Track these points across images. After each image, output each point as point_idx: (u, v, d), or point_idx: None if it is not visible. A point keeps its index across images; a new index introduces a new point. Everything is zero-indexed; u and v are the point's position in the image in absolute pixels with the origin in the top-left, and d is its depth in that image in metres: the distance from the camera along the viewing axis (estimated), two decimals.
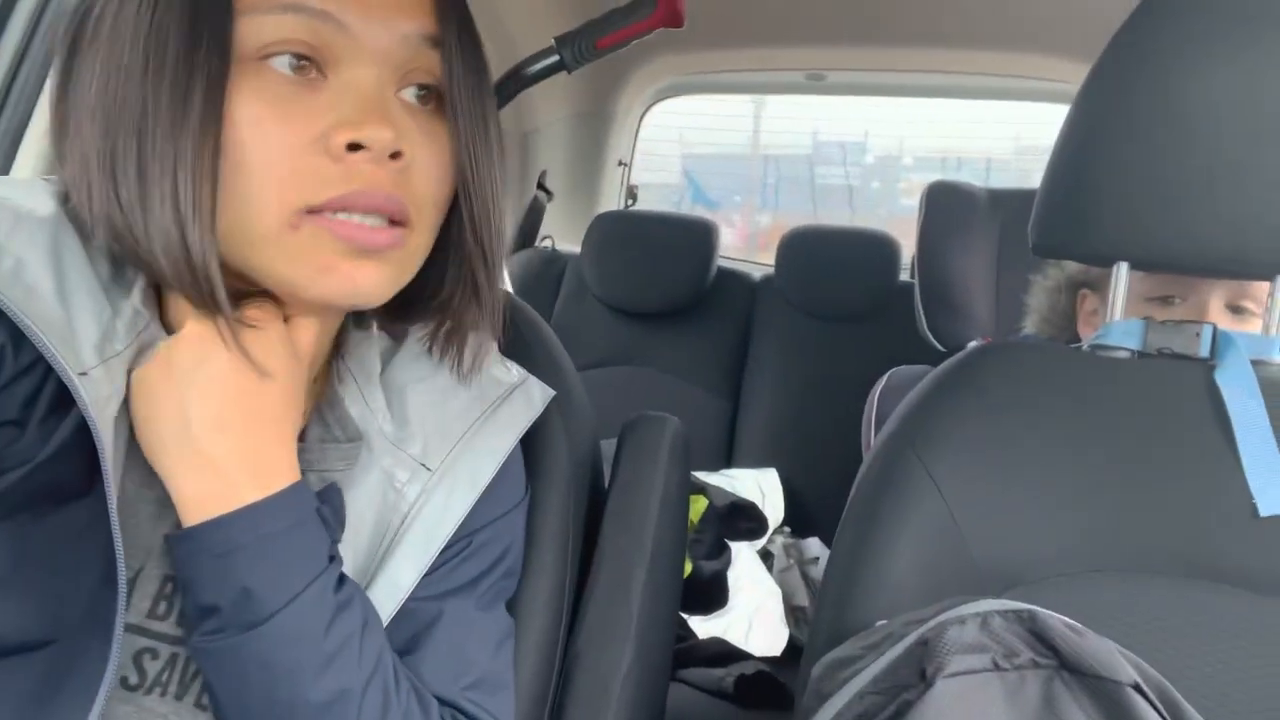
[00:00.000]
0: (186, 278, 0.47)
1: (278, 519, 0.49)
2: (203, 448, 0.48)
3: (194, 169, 0.46)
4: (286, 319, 0.53)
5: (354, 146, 0.48)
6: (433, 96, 0.54)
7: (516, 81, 0.92)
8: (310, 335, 0.55)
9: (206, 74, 0.46)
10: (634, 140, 2.33)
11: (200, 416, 0.49)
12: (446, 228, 0.56)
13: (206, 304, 0.48)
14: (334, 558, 0.52)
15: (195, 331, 0.49)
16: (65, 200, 0.52)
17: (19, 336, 0.46)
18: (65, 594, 0.47)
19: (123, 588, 0.47)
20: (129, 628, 0.51)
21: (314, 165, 0.48)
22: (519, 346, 0.72)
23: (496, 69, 1.11)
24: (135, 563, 0.52)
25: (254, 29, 0.47)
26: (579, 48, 0.87)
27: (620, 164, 2.30)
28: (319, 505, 0.53)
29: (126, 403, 0.49)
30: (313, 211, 0.48)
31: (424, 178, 0.52)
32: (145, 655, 0.52)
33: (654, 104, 2.29)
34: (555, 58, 0.88)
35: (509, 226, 0.59)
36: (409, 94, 0.53)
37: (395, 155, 0.49)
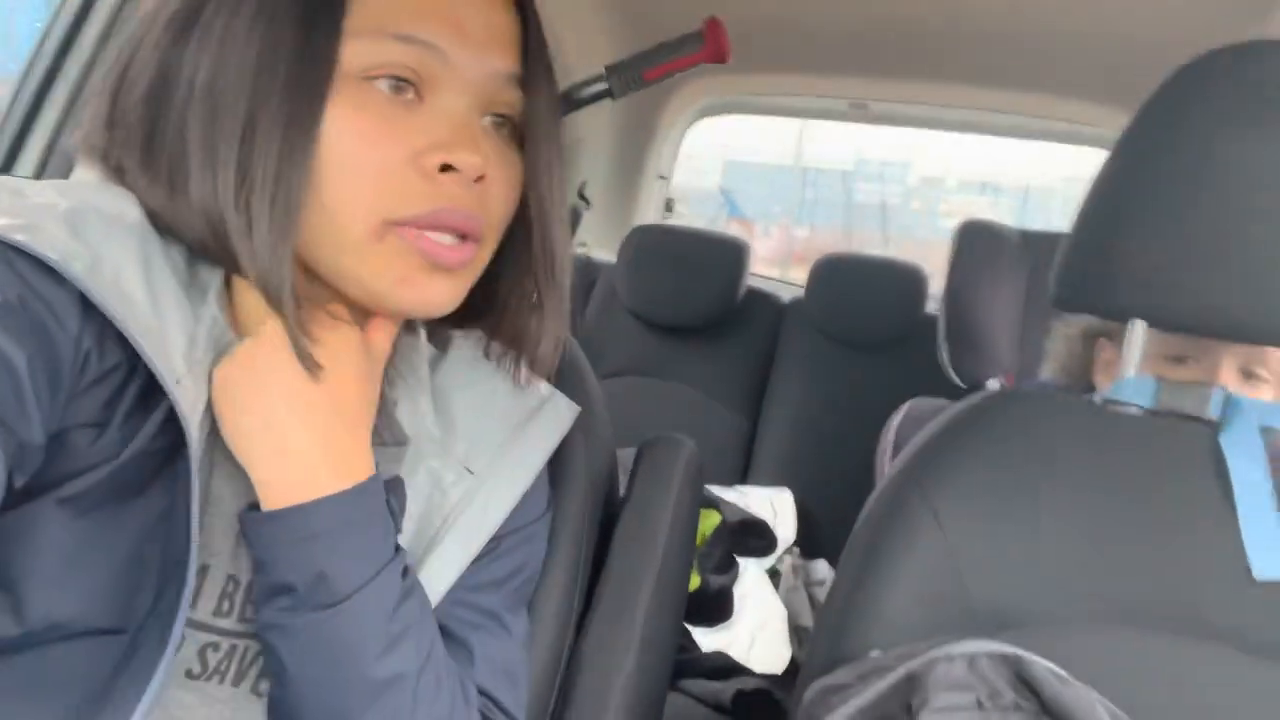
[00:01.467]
0: (265, 273, 0.50)
1: (356, 509, 0.52)
2: (286, 442, 0.51)
3: (291, 174, 0.49)
4: (365, 324, 0.57)
5: (445, 168, 0.52)
6: (507, 124, 0.57)
7: (565, 105, 0.95)
8: (387, 339, 0.58)
9: (311, 90, 0.50)
10: (675, 155, 2.35)
11: (284, 413, 0.52)
12: (507, 244, 0.60)
13: (273, 302, 0.51)
14: (400, 548, 0.56)
15: (275, 330, 0.52)
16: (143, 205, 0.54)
17: (104, 340, 0.48)
18: (135, 586, 0.50)
19: (190, 581, 0.49)
20: (195, 624, 0.54)
21: (405, 181, 0.51)
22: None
23: None
24: (202, 562, 0.55)
25: (363, 51, 0.51)
26: (627, 78, 0.90)
27: (660, 178, 2.33)
28: (389, 497, 0.56)
29: (208, 404, 0.52)
30: (398, 224, 0.52)
31: (498, 200, 0.56)
32: (209, 649, 0.55)
33: (697, 121, 2.32)
34: (603, 85, 0.91)
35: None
36: (487, 121, 0.56)
37: (480, 178, 0.53)
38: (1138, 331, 0.79)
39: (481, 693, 0.61)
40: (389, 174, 0.51)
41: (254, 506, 0.53)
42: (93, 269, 0.47)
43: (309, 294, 0.55)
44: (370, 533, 0.53)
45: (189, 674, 0.54)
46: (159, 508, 0.51)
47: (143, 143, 0.52)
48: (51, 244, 0.46)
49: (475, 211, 0.54)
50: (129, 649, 0.50)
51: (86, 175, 0.55)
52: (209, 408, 0.52)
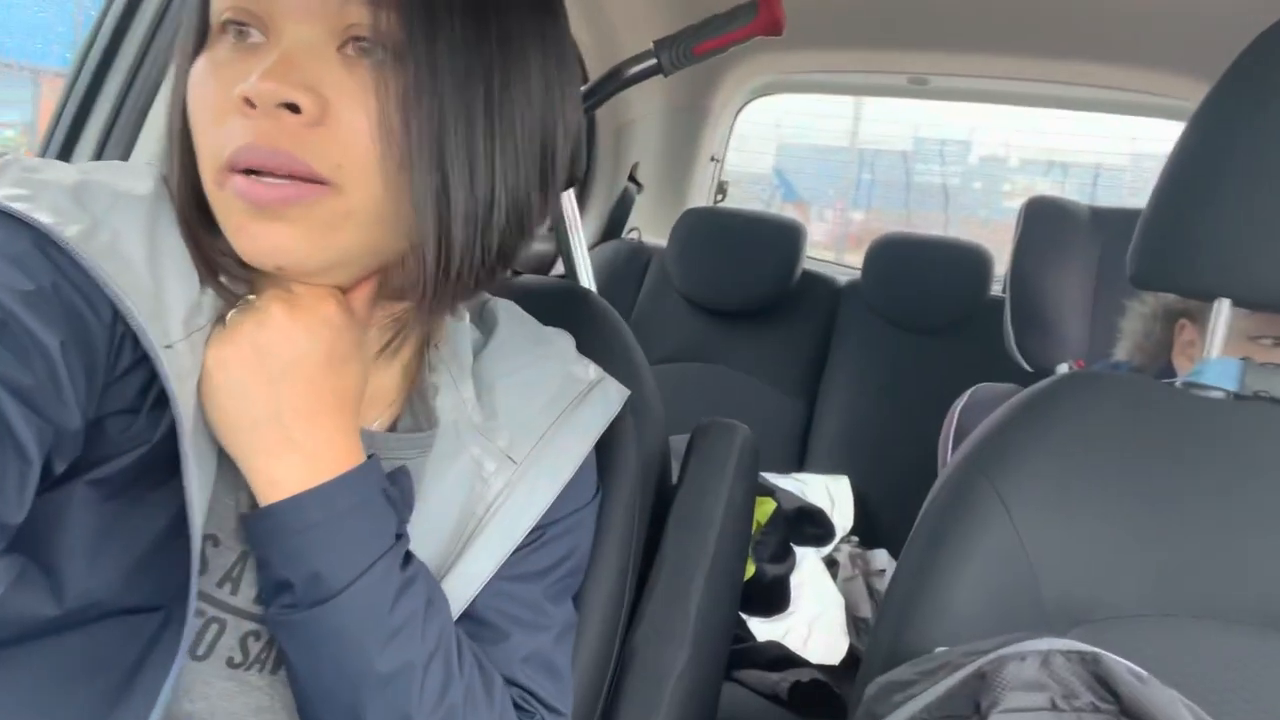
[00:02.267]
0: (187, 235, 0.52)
1: (347, 497, 0.52)
2: (278, 431, 0.51)
3: (169, 130, 0.52)
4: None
5: (251, 103, 0.48)
6: (376, 48, 0.50)
7: (614, 82, 0.93)
8: (353, 308, 0.54)
9: (185, 46, 0.52)
10: (728, 136, 2.32)
11: (285, 399, 0.51)
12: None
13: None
14: (400, 536, 0.55)
15: (252, 312, 0.52)
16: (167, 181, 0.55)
17: None
18: (170, 564, 0.50)
19: (195, 554, 0.49)
20: (237, 611, 0.55)
21: (227, 120, 0.49)
22: (597, 343, 0.74)
23: (600, 67, 1.12)
24: (242, 546, 0.55)
25: (213, 3, 0.51)
26: (677, 52, 0.87)
27: (713, 159, 2.29)
28: (386, 486, 0.55)
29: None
30: (229, 169, 0.49)
31: (351, 132, 0.49)
32: (250, 638, 0.55)
33: (750, 101, 2.28)
34: (653, 61, 0.89)
35: (498, 208, 0.54)
36: (353, 49, 0.50)
37: (293, 109, 0.48)
38: (1223, 310, 0.75)
39: (516, 684, 0.60)
40: (216, 118, 0.50)
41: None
42: (88, 235, 0.47)
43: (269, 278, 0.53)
44: (365, 519, 0.52)
45: (230, 662, 0.55)
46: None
47: None
48: (47, 211, 0.46)
49: (284, 146, 0.48)
50: (160, 627, 0.51)
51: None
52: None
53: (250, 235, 0.50)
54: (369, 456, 0.54)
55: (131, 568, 0.50)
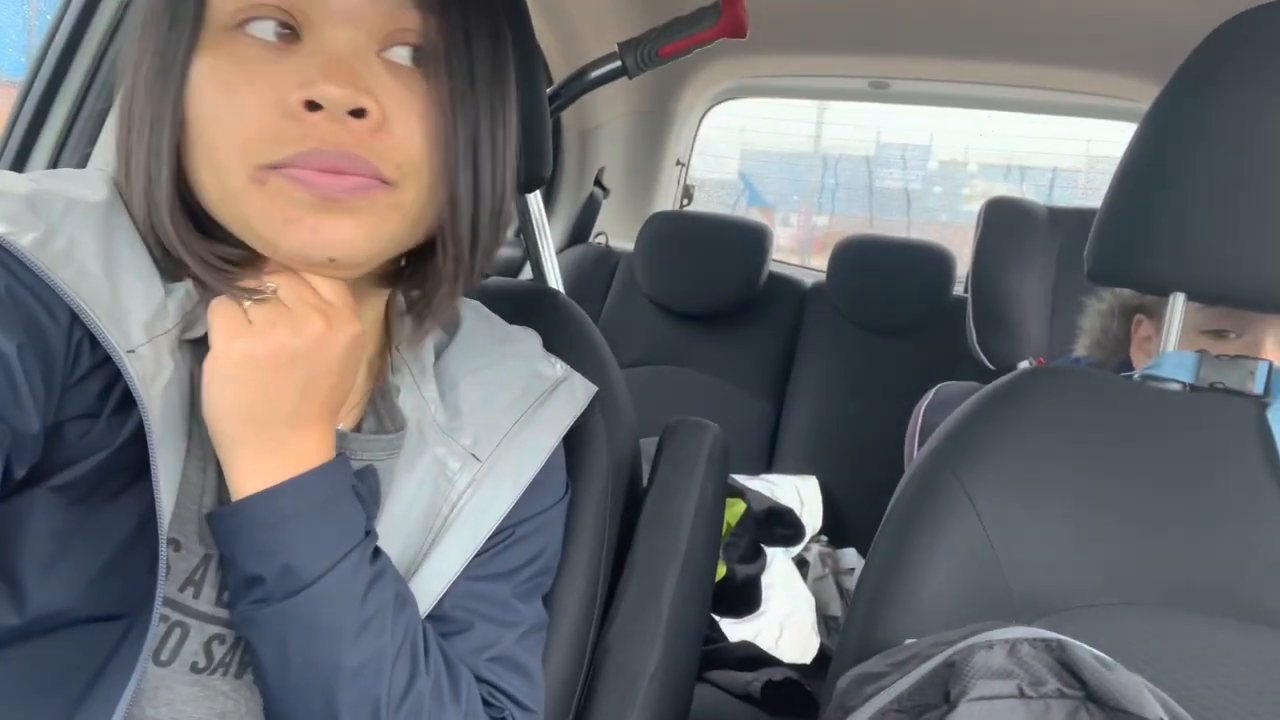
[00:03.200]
0: (156, 240, 0.50)
1: (319, 491, 0.52)
2: (282, 429, 0.51)
3: (155, 135, 0.49)
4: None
5: (312, 106, 0.48)
6: (419, 52, 0.52)
7: (579, 84, 0.93)
8: (335, 293, 0.54)
9: (174, 48, 0.49)
10: (693, 140, 2.33)
11: (307, 400, 0.51)
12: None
13: (192, 269, 0.50)
14: (369, 531, 0.55)
15: (216, 310, 0.51)
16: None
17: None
18: (131, 571, 0.50)
19: (163, 560, 0.49)
20: (201, 615, 0.54)
21: (276, 126, 0.48)
22: (564, 344, 0.74)
23: (564, 70, 1.12)
24: (205, 549, 0.54)
25: None
26: (642, 54, 0.88)
27: (678, 163, 2.30)
28: (355, 482, 0.55)
29: (176, 384, 0.51)
30: (274, 167, 0.48)
31: (406, 133, 0.51)
32: (214, 641, 0.55)
33: (714, 105, 2.29)
34: (618, 63, 0.89)
35: (508, 200, 0.59)
36: (399, 54, 0.52)
37: (359, 114, 0.48)
38: (1178, 305, 0.77)
39: (484, 681, 0.60)
40: (255, 120, 0.48)
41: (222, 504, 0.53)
42: (43, 243, 0.47)
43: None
44: (332, 516, 0.52)
45: (194, 667, 0.54)
46: (150, 495, 0.49)
47: None
48: (1, 220, 0.46)
49: (352, 150, 0.48)
50: (122, 635, 0.50)
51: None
52: (179, 383, 0.51)
53: (310, 227, 0.49)
54: (340, 454, 0.54)
55: (95, 575, 0.50)
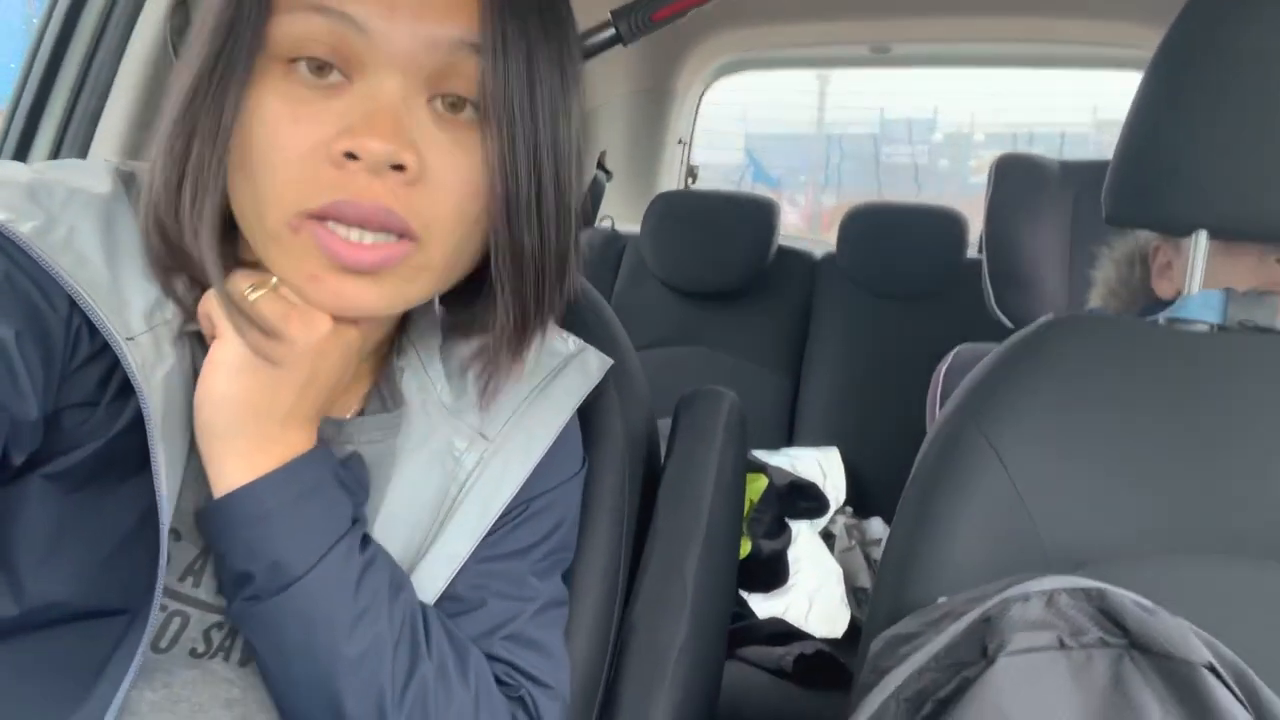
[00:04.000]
0: (160, 236, 0.49)
1: (299, 482, 0.51)
2: (270, 428, 0.50)
3: (209, 158, 0.48)
4: None
5: (352, 155, 0.47)
6: (467, 104, 0.50)
7: None
8: (353, 329, 0.54)
9: (231, 69, 0.47)
10: (694, 118, 2.31)
11: (305, 399, 0.51)
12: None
13: (210, 285, 0.49)
14: (357, 520, 0.54)
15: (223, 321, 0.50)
16: (130, 180, 0.54)
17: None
18: (130, 564, 0.49)
19: (164, 552, 0.48)
20: (201, 604, 0.54)
21: (316, 170, 0.47)
22: (578, 325, 0.73)
23: None
24: (205, 543, 0.54)
25: (284, 28, 0.47)
26: (635, 20, 0.86)
27: (680, 142, 2.28)
28: (338, 471, 0.54)
29: (179, 374, 0.50)
30: (309, 216, 0.48)
31: (443, 190, 0.49)
32: (213, 629, 0.54)
33: (714, 81, 2.27)
34: (611, 31, 0.87)
35: (574, 239, 0.57)
36: (441, 103, 0.50)
37: (399, 168, 0.47)
38: (1200, 243, 0.75)
39: (499, 659, 0.59)
40: (302, 162, 0.47)
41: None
42: (43, 231, 0.46)
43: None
44: (315, 507, 0.52)
45: (193, 653, 0.54)
46: (150, 486, 0.49)
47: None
48: (1, 208, 0.46)
49: (390, 205, 0.47)
50: (124, 630, 0.50)
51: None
52: (181, 373, 0.50)
53: (334, 291, 0.49)
54: (320, 443, 0.54)
55: (94, 566, 0.49)
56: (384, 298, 0.50)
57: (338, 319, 0.51)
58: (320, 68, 0.48)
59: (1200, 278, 0.76)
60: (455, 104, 0.50)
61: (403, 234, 0.49)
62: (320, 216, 0.48)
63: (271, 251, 0.49)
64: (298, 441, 0.52)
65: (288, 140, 0.47)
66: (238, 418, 0.50)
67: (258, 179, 0.48)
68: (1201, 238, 0.74)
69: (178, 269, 0.51)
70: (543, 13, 0.51)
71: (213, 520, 0.51)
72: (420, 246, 0.50)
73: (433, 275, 0.52)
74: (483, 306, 0.57)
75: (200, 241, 0.48)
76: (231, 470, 0.50)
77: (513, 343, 0.57)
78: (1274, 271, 0.84)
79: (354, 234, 0.48)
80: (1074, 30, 1.79)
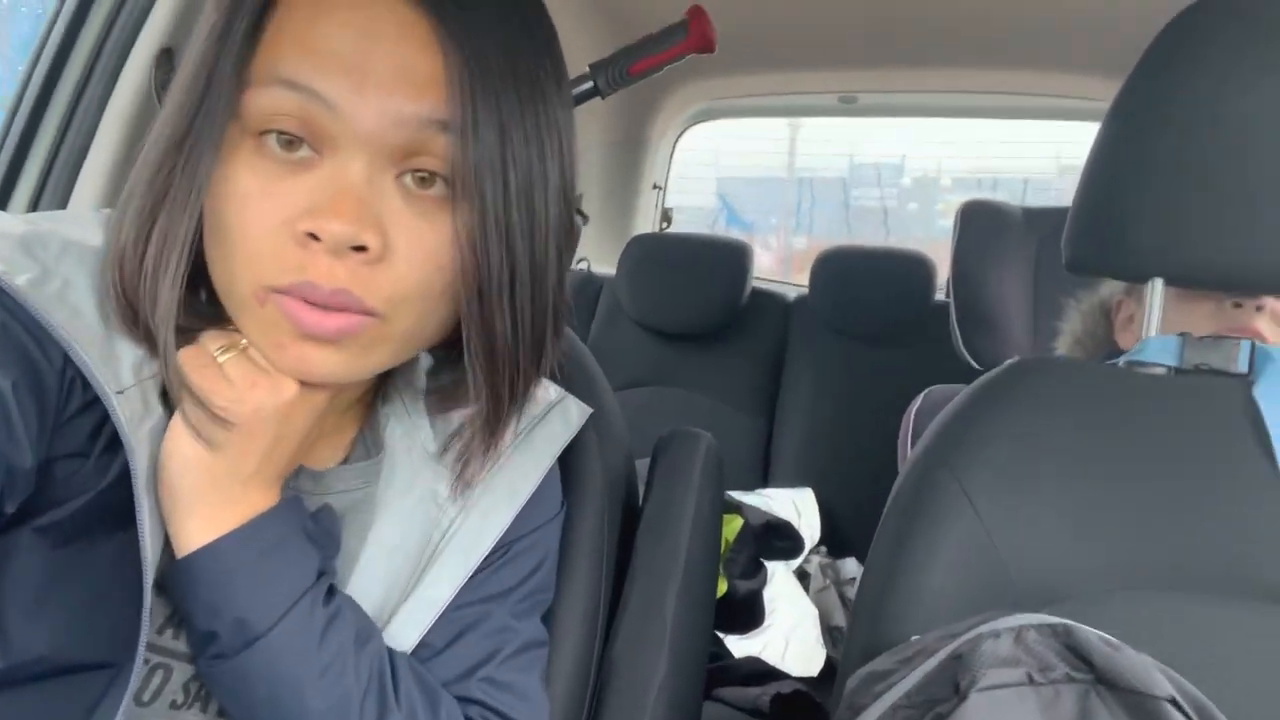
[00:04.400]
0: (120, 293, 0.49)
1: (262, 539, 0.51)
2: (233, 489, 0.50)
3: (173, 227, 0.48)
4: None
5: (314, 236, 0.47)
6: (437, 180, 0.50)
7: None
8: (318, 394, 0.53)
9: (202, 140, 0.48)
10: (668, 164, 2.35)
11: (272, 460, 0.51)
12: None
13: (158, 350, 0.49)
14: (324, 573, 0.54)
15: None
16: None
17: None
18: (112, 617, 0.49)
19: (147, 605, 0.48)
20: (186, 657, 0.54)
21: (281, 247, 0.47)
22: (558, 370, 0.74)
23: None
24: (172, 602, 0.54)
25: (256, 102, 0.47)
26: (613, 74, 0.88)
27: (655, 187, 2.32)
28: (306, 524, 0.54)
29: (161, 429, 0.50)
30: (274, 291, 0.48)
31: (407, 266, 0.49)
32: (193, 681, 0.54)
33: (688, 128, 2.31)
34: (590, 84, 0.89)
35: (550, 336, 0.57)
36: (412, 179, 0.49)
37: (360, 249, 0.47)
38: (1157, 290, 0.78)
39: (476, 702, 0.59)
40: (262, 239, 0.47)
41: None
42: (38, 283, 0.47)
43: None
44: (278, 563, 0.52)
45: (173, 704, 0.54)
46: (136, 539, 0.49)
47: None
48: None
49: (345, 286, 0.47)
50: (109, 683, 0.50)
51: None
52: (166, 426, 0.50)
53: (297, 356, 0.49)
54: (285, 498, 0.54)
55: (79, 619, 0.49)
56: (344, 365, 0.50)
57: (304, 383, 0.52)
58: (290, 142, 0.48)
59: (1157, 323, 0.79)
60: (424, 179, 0.49)
61: (363, 313, 0.49)
62: (284, 293, 0.48)
63: (242, 319, 0.50)
64: (259, 500, 0.52)
65: (255, 215, 0.47)
66: (200, 480, 0.49)
67: (227, 249, 0.48)
68: (1158, 285, 0.77)
69: (134, 325, 0.50)
70: (519, 87, 0.50)
71: (177, 580, 0.51)
72: (383, 321, 0.49)
73: (393, 346, 0.52)
74: (459, 378, 0.57)
75: (158, 309, 0.48)
76: (194, 530, 0.50)
77: (487, 428, 0.57)
78: (1231, 316, 0.88)
79: (321, 310, 0.48)
80: (1036, 82, 1.85)
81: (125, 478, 0.48)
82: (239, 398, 0.49)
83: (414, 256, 0.49)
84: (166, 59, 0.93)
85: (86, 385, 0.48)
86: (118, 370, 0.48)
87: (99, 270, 0.50)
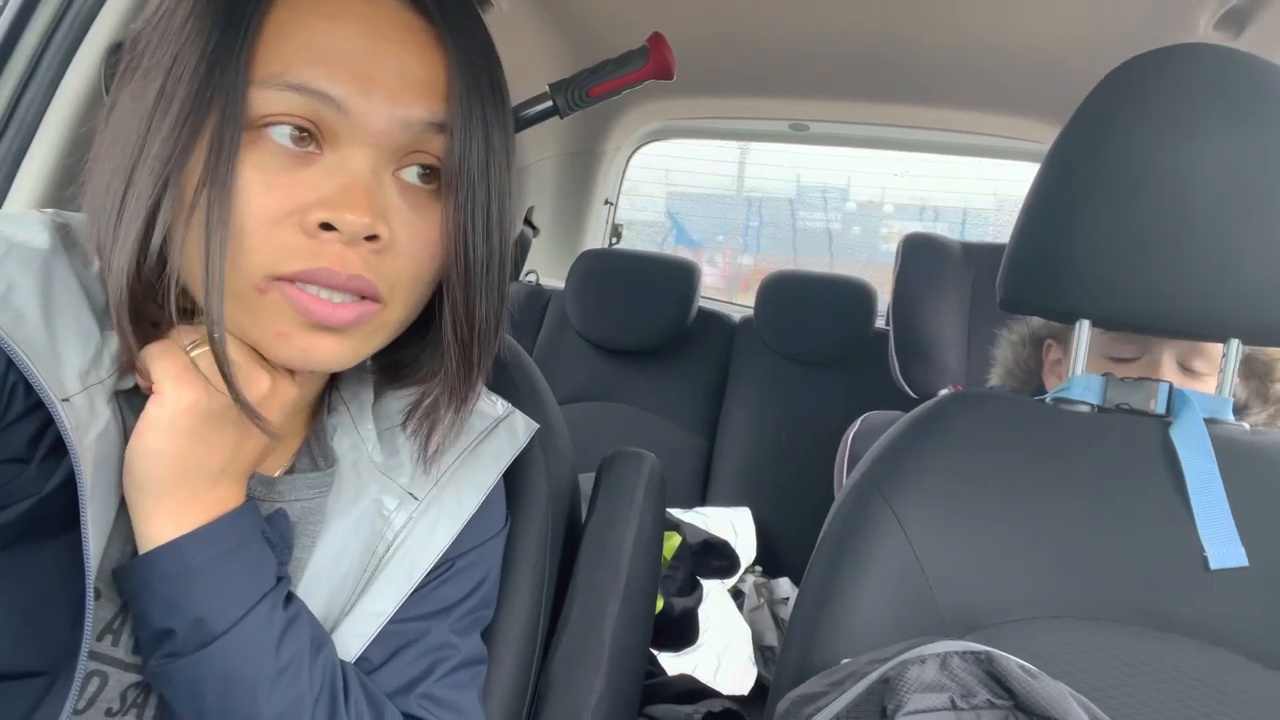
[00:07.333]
0: (125, 313, 0.49)
1: (226, 539, 0.51)
2: (200, 483, 0.50)
3: (175, 223, 0.48)
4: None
5: (327, 226, 0.48)
6: (435, 175, 0.53)
7: (513, 123, 0.94)
8: (290, 384, 0.54)
9: (198, 138, 0.47)
10: (620, 180, 2.37)
11: (240, 456, 0.52)
12: (442, 300, 0.57)
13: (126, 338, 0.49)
14: (281, 578, 0.54)
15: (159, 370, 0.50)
16: (67, 233, 0.53)
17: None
18: (48, 623, 0.49)
19: (89, 615, 0.47)
20: (120, 664, 0.53)
21: (287, 237, 0.48)
22: (503, 379, 0.74)
23: None
24: (124, 600, 0.53)
25: (260, 103, 0.48)
26: (572, 95, 0.89)
27: (606, 203, 2.34)
28: (265, 528, 0.54)
29: (110, 434, 0.50)
30: (280, 279, 0.49)
31: (406, 256, 0.52)
32: (131, 689, 0.53)
33: (641, 146, 2.34)
34: (549, 104, 0.90)
35: (505, 309, 0.61)
36: (410, 173, 0.53)
37: (371, 238, 0.50)
38: (1084, 331, 0.81)
39: (417, 718, 0.60)
40: (272, 229, 0.48)
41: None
42: None
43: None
44: (242, 563, 0.52)
45: (109, 712, 0.53)
46: (78, 544, 0.48)
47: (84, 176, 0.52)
48: None
49: (363, 273, 0.50)
50: (44, 691, 0.49)
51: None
52: (112, 433, 0.50)
53: (300, 346, 0.50)
54: (248, 499, 0.54)
55: (15, 625, 0.48)
56: (347, 351, 0.52)
57: (277, 376, 0.52)
58: (302, 136, 0.49)
59: (1083, 362, 0.82)
60: (426, 175, 0.53)
61: (368, 296, 0.51)
62: (292, 279, 0.49)
63: (237, 311, 0.50)
64: (228, 498, 0.52)
65: (257, 208, 0.48)
66: (170, 474, 0.49)
67: (220, 241, 0.47)
68: (1085, 326, 0.81)
69: (136, 317, 0.50)
70: (495, 92, 0.55)
71: (134, 576, 0.50)
72: (384, 307, 0.52)
73: (388, 331, 0.55)
74: (416, 352, 0.60)
75: (123, 287, 0.49)
76: (159, 525, 0.50)
77: (457, 393, 0.59)
78: (1153, 347, 0.92)
79: (324, 293, 0.50)
80: (976, 122, 1.92)
81: (67, 484, 0.47)
82: (212, 388, 0.49)
83: (412, 246, 0.52)
84: (117, 52, 0.91)
85: (28, 390, 0.47)
86: (63, 376, 0.48)
87: (44, 272, 0.49)
